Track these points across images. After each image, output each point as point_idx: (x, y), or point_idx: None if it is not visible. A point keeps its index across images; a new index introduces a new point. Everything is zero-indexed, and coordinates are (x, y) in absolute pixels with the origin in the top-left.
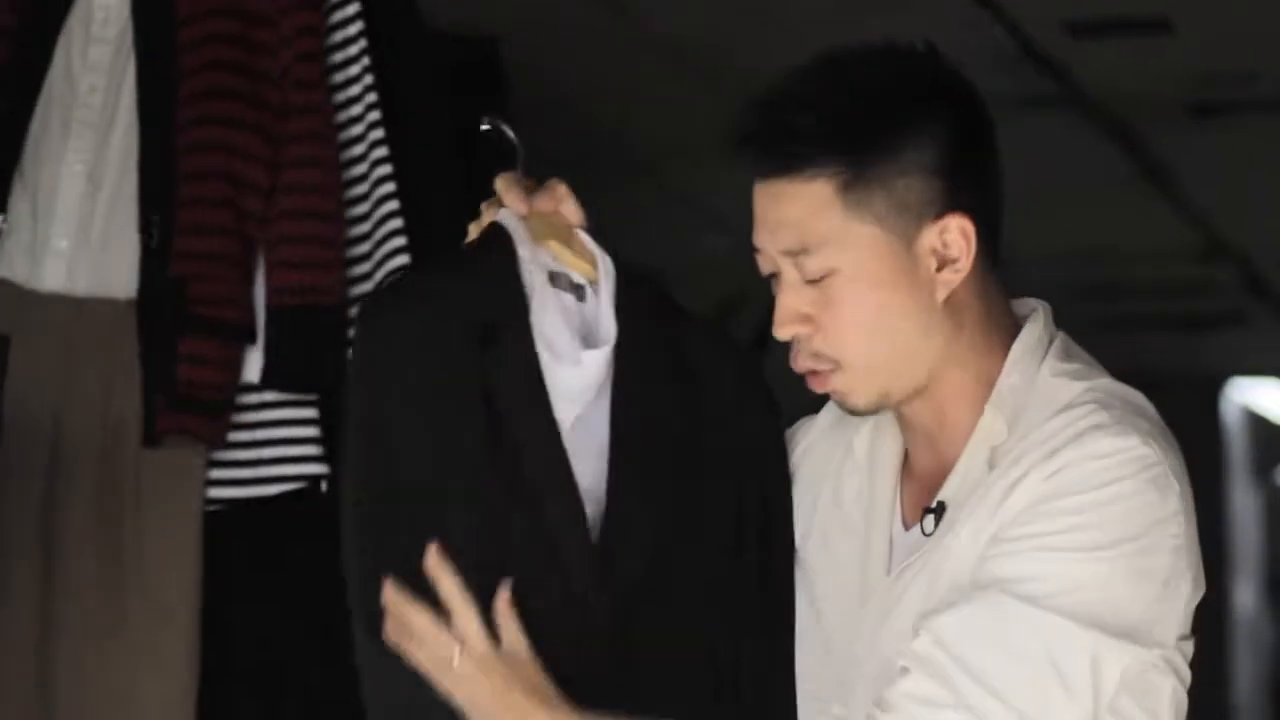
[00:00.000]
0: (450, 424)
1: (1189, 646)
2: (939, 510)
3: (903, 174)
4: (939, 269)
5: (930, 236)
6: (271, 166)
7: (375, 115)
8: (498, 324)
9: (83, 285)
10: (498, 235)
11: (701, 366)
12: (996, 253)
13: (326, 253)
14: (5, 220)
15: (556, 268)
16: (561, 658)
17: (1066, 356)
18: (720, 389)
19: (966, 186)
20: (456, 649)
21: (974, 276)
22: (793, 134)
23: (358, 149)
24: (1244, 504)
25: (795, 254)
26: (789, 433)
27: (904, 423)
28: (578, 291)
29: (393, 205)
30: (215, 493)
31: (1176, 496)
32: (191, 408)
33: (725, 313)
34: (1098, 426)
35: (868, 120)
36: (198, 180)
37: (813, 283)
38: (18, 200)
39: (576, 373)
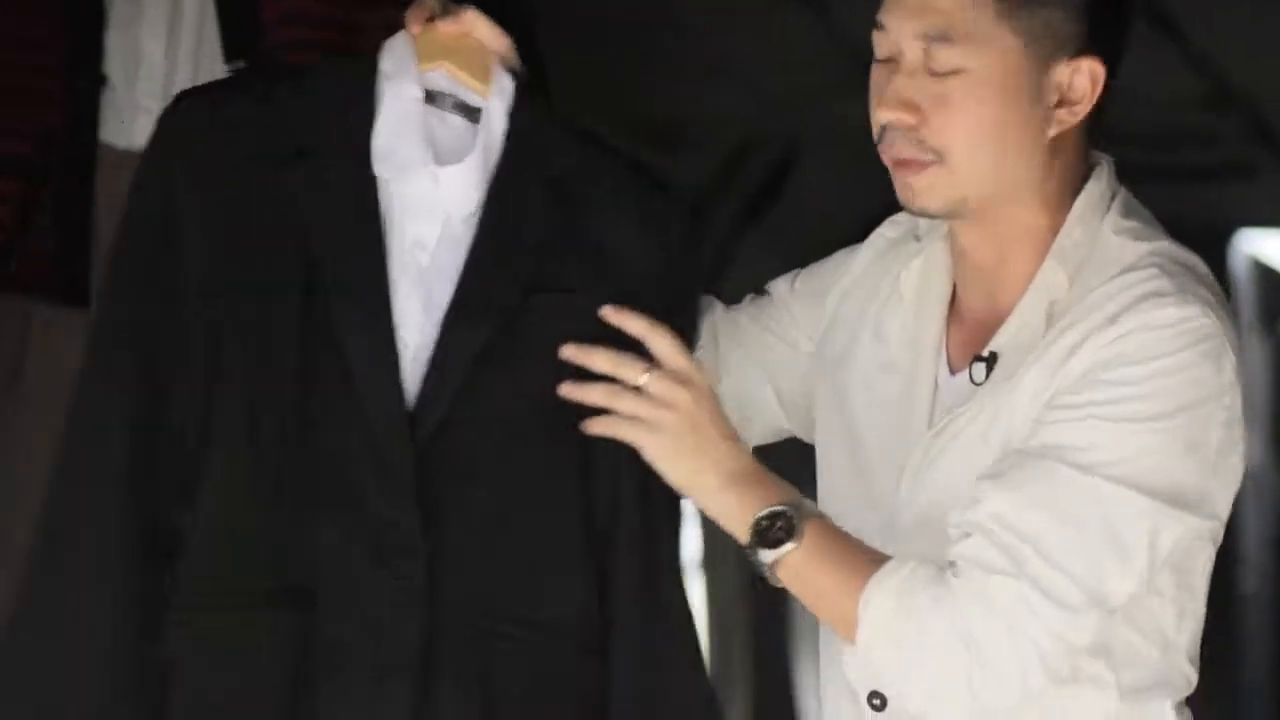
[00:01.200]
0: (244, 255)
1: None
2: (990, 360)
3: (1062, 4)
4: (1058, 105)
5: (1063, 71)
6: (365, 5)
7: None
8: (318, 140)
9: None
10: (367, 60)
11: (593, 202)
12: (1104, 108)
13: None
14: (106, 83)
15: (446, 88)
16: (368, 517)
17: (1128, 213)
18: (607, 227)
19: (1107, 33)
20: (642, 370)
21: (1082, 124)
22: None
23: None
24: (1251, 355)
25: (933, 39)
26: (821, 264)
27: (960, 260)
28: (469, 114)
29: None
30: None
31: (1231, 369)
32: None
33: (736, 160)
34: (1159, 294)
35: None
36: (285, 25)
37: (935, 75)
38: (112, 64)
39: (431, 189)
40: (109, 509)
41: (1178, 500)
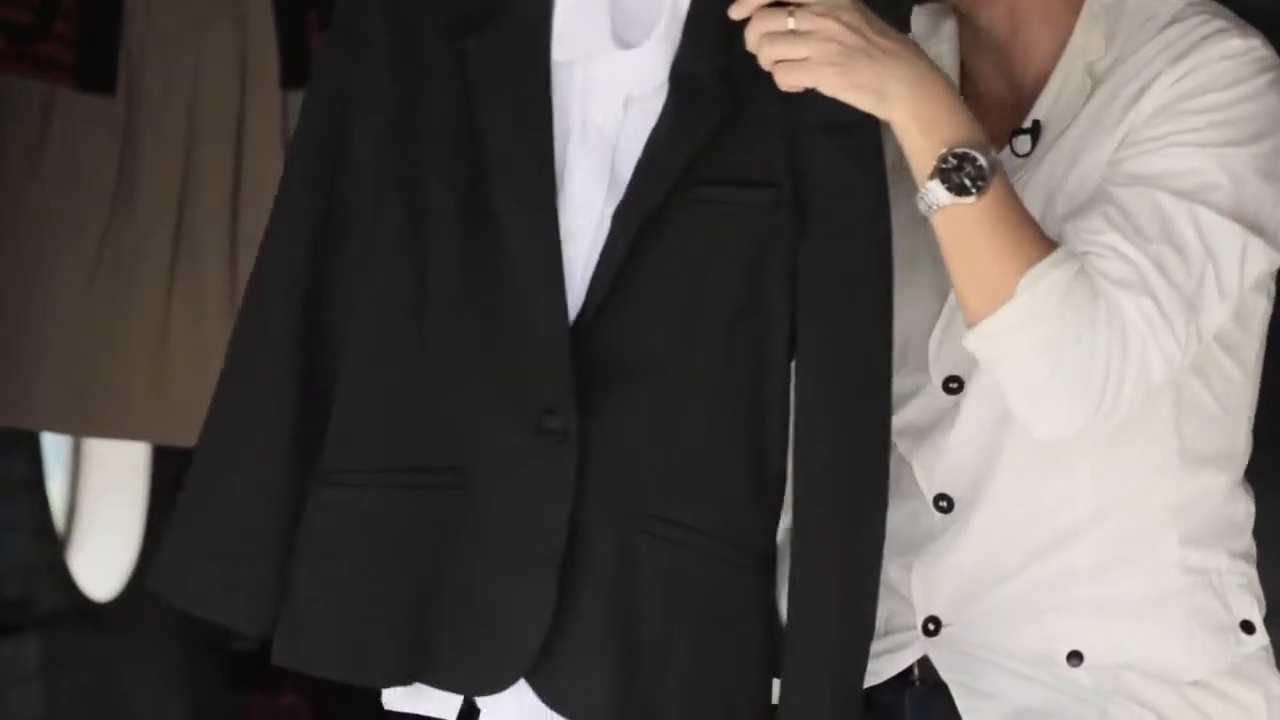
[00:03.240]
0: (417, 135)
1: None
2: (1035, 130)
3: None
4: None
5: None
6: None
7: None
8: (496, 15)
9: None
10: None
11: (769, 94)
12: None
13: None
14: None
15: None
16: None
17: None
18: (790, 121)
19: None
20: (786, 14)
21: None
22: None
23: None
24: None
25: None
26: None
27: (974, 42)
28: None
29: None
30: None
31: None
32: None
33: None
34: (1221, 30)
35: None
36: None
37: None
38: None
39: (612, 69)
40: (279, 365)
41: (1261, 229)
